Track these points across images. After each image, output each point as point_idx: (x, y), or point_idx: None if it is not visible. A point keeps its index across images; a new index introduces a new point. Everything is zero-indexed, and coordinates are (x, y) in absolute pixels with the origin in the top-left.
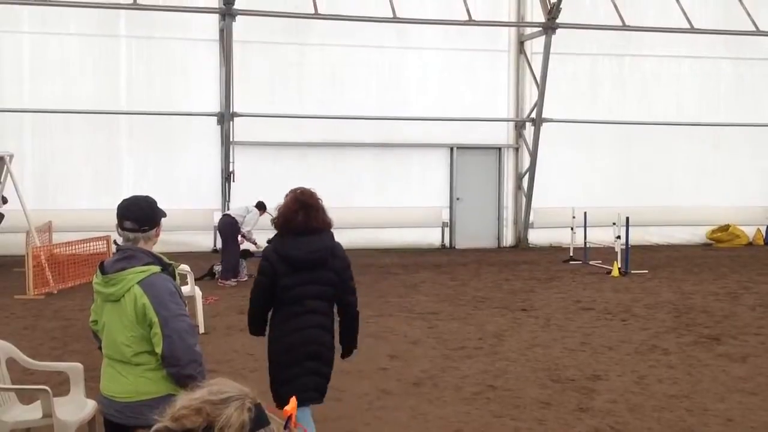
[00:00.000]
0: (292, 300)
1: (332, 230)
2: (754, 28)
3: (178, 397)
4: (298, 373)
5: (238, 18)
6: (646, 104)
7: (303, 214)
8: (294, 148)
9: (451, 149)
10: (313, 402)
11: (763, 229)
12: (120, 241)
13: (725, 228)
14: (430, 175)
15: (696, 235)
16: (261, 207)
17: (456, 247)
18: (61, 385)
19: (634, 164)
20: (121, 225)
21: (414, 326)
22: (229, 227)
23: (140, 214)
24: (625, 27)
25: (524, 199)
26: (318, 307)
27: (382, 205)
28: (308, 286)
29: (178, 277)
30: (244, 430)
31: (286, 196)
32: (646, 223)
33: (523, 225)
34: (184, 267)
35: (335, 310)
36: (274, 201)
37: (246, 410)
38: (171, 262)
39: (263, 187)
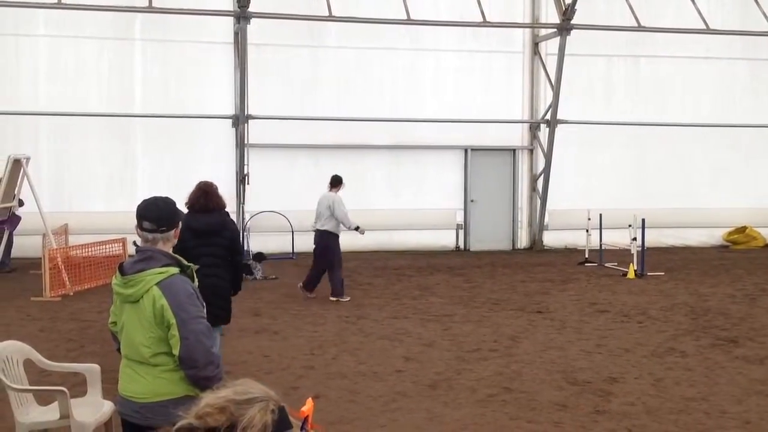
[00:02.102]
0: (193, 258)
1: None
2: None
3: (203, 396)
4: None
5: (253, 21)
6: (662, 105)
7: (204, 198)
8: (308, 150)
9: (466, 151)
10: (215, 325)
11: None
12: (139, 241)
13: (742, 230)
14: (445, 176)
15: (712, 236)
16: (337, 182)
17: (470, 249)
18: (77, 386)
19: (650, 166)
20: (140, 225)
21: (428, 328)
22: (323, 241)
23: (158, 215)
24: (640, 28)
25: (539, 201)
26: (212, 263)
27: (396, 207)
28: (204, 248)
29: (196, 279)
30: (266, 431)
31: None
32: (661, 224)
33: (537, 227)
34: None
35: None
36: (290, 203)
37: (269, 412)
38: (189, 264)
39: (278, 189)
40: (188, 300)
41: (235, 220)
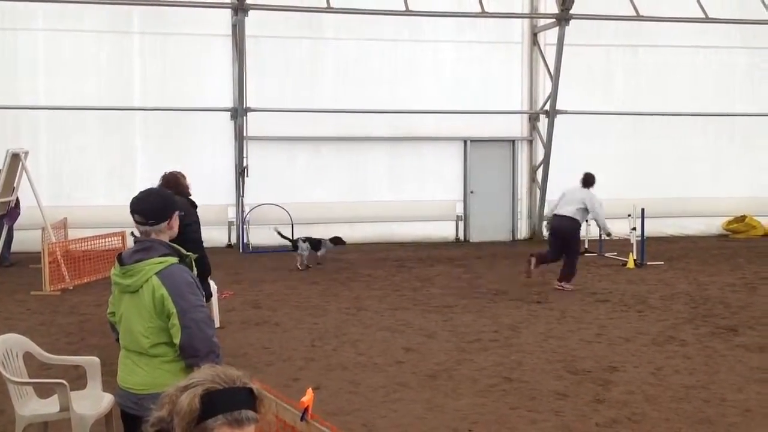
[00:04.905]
0: None
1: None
2: None
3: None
4: None
5: (251, 13)
6: (661, 95)
7: (166, 187)
8: (308, 143)
9: (465, 142)
10: None
11: None
12: (138, 233)
13: (741, 219)
14: (444, 168)
15: (712, 226)
16: (593, 181)
17: (470, 240)
18: (78, 379)
19: (649, 155)
20: (132, 218)
21: (429, 319)
22: (570, 228)
23: (147, 208)
24: (639, 17)
25: (538, 192)
26: None
27: (396, 199)
28: None
29: (195, 269)
30: (192, 415)
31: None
32: (661, 214)
33: (537, 217)
34: None
35: None
36: (289, 195)
37: (197, 397)
38: (188, 253)
39: (277, 181)
40: (188, 289)
41: (234, 212)
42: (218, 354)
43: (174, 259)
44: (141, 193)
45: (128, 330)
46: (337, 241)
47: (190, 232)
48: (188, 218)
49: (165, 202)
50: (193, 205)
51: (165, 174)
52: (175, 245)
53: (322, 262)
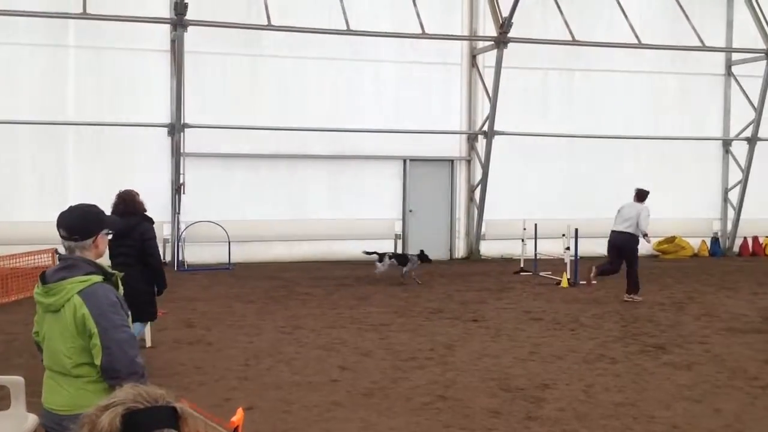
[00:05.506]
0: (114, 255)
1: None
2: (699, 44)
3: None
4: None
5: (190, 28)
6: (595, 118)
7: (123, 205)
8: (246, 160)
9: (404, 161)
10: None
11: (707, 241)
12: (63, 250)
13: (671, 240)
14: (383, 187)
15: (642, 246)
16: (644, 195)
17: None
18: (1, 400)
19: (584, 177)
20: (58, 233)
21: (365, 338)
22: (627, 242)
23: (71, 224)
24: (574, 42)
25: (476, 211)
26: (124, 262)
27: (334, 217)
28: (121, 247)
29: (121, 288)
30: None
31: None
32: (594, 234)
33: (474, 237)
34: None
35: None
36: (227, 213)
37: (119, 416)
38: (114, 271)
39: (215, 198)
40: (111, 308)
41: (169, 229)
42: (142, 374)
43: (98, 278)
44: (69, 207)
45: (51, 350)
46: (423, 257)
47: (150, 248)
48: (147, 234)
49: (89, 219)
50: (150, 221)
51: (120, 192)
52: (100, 264)
53: (410, 278)
